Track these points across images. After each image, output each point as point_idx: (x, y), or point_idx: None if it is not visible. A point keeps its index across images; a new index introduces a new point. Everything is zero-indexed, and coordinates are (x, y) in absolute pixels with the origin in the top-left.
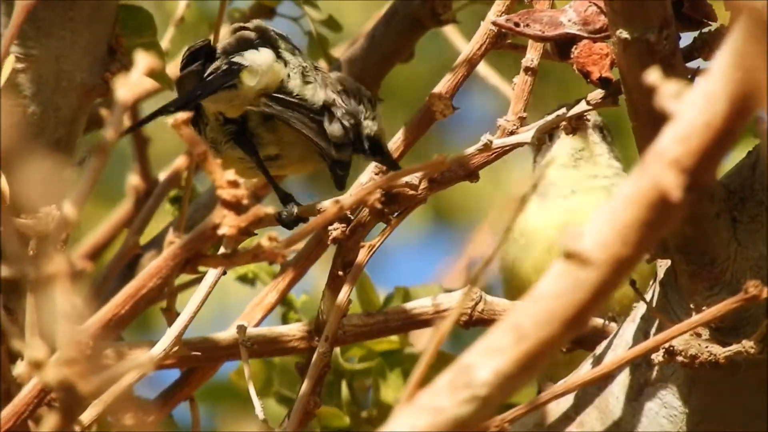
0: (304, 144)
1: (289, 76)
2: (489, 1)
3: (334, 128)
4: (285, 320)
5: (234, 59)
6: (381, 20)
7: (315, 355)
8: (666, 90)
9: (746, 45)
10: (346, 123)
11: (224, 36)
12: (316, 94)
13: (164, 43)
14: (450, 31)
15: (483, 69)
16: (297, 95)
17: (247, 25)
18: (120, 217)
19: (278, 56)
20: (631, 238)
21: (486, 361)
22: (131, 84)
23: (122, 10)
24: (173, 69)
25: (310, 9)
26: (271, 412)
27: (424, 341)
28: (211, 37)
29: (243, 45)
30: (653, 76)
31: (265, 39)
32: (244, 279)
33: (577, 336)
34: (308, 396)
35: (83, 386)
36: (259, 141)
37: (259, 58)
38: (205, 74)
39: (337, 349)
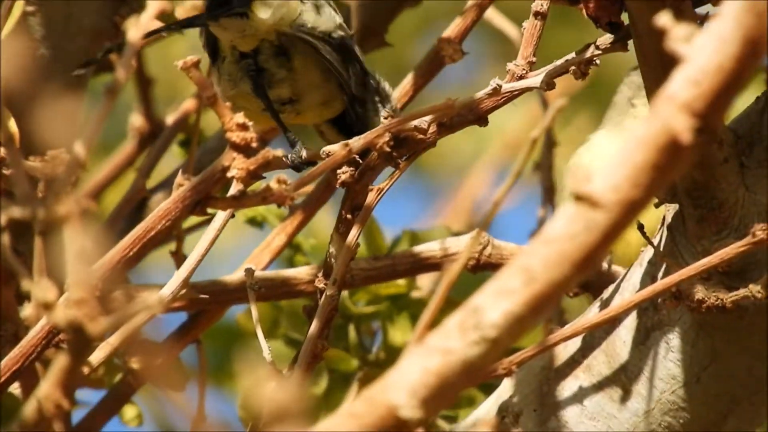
0: (320, 85)
1: (303, 12)
2: None
3: (352, 63)
4: (293, 263)
5: None
6: None
7: (323, 298)
8: (677, 33)
9: None
10: (363, 62)
11: None
12: (336, 31)
13: None
14: None
15: (492, 13)
16: (317, 29)
17: None
18: (123, 157)
19: None
20: (641, 181)
21: (495, 303)
22: (141, 26)
23: None
24: (184, 11)
25: None
26: (279, 354)
27: (430, 285)
28: None
29: None
30: (664, 19)
31: None
32: (252, 222)
33: (584, 280)
34: (316, 339)
35: (92, 327)
36: (271, 79)
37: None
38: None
39: (345, 293)
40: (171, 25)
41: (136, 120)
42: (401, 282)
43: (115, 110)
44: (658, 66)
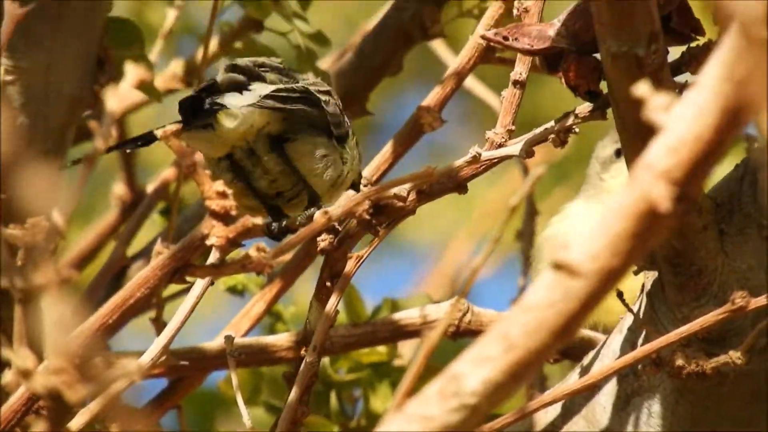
0: (293, 171)
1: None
2: (477, 15)
3: (329, 109)
4: (273, 331)
5: (216, 99)
6: (369, 33)
7: (303, 365)
8: (655, 102)
9: (736, 57)
10: (338, 106)
11: (217, 72)
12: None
13: (153, 55)
14: (438, 45)
15: (471, 81)
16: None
17: (237, 62)
18: (105, 226)
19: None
20: (620, 249)
21: (475, 370)
22: (120, 96)
23: (110, 23)
24: (161, 81)
25: (298, 23)
26: (260, 420)
27: (411, 353)
28: (200, 51)
29: (229, 85)
30: (642, 88)
31: (252, 77)
32: (233, 290)
33: (564, 346)
34: (296, 405)
35: (71, 395)
36: (250, 176)
37: (240, 100)
38: (188, 112)
39: (326, 360)
40: (134, 139)
41: (119, 189)
42: (382, 349)
43: (96, 173)
44: (636, 134)
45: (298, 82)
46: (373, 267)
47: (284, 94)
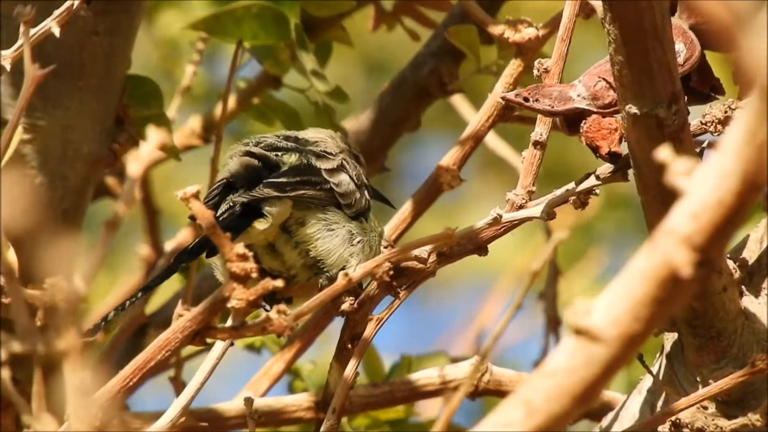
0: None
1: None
2: (496, 72)
3: (340, 189)
4: (291, 389)
5: (244, 200)
6: (388, 89)
7: (322, 428)
8: (676, 167)
9: (758, 121)
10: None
11: (229, 157)
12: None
13: (171, 111)
14: (457, 101)
15: (492, 140)
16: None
17: (249, 148)
18: (130, 287)
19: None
20: (642, 314)
21: None
22: (141, 159)
23: (129, 81)
24: (180, 137)
25: (316, 81)
26: None
27: (429, 409)
28: (219, 108)
29: (249, 175)
30: (664, 153)
31: (268, 165)
32: (251, 348)
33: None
34: None
35: None
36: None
37: (270, 207)
38: (219, 214)
39: (344, 419)
40: (178, 259)
41: (143, 250)
42: (400, 407)
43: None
44: (657, 197)
45: (315, 157)
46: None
47: (284, 180)
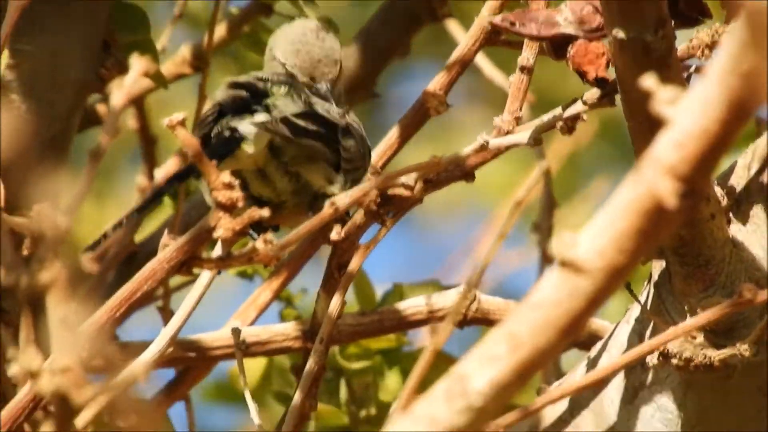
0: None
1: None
2: None
3: (346, 155)
4: (282, 318)
5: (232, 125)
6: (377, 16)
7: (310, 359)
8: (662, 95)
9: (743, 49)
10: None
11: (219, 91)
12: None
13: (161, 40)
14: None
15: (481, 61)
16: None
17: (239, 79)
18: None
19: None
20: (626, 246)
21: (481, 370)
22: (126, 87)
23: (116, 8)
24: (171, 66)
25: (306, 8)
26: (271, 408)
27: (421, 337)
28: (205, 37)
29: (238, 106)
30: (649, 81)
31: (257, 95)
32: (243, 275)
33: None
34: (304, 399)
35: (77, 396)
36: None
37: (251, 129)
38: (211, 138)
39: (336, 348)
40: (169, 181)
41: (140, 180)
42: (391, 336)
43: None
44: (644, 122)
45: (306, 96)
46: (387, 252)
47: (302, 124)
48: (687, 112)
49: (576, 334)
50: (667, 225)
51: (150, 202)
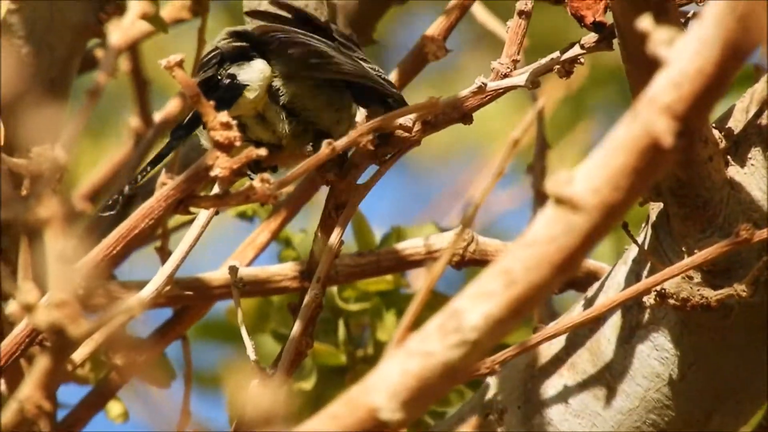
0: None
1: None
2: None
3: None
4: (281, 258)
5: (231, 72)
6: None
7: (307, 297)
8: (658, 36)
9: None
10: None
11: (218, 37)
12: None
13: None
14: None
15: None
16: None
17: (238, 29)
18: (120, 158)
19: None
20: (622, 184)
21: (476, 305)
22: (124, 29)
23: None
24: (170, 11)
25: None
26: (268, 347)
27: (419, 280)
28: None
29: (238, 54)
30: (645, 22)
31: (258, 43)
32: (242, 216)
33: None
34: (300, 337)
35: (73, 330)
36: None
37: (254, 75)
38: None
39: (334, 289)
40: (173, 140)
41: (133, 122)
42: (389, 278)
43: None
44: (642, 65)
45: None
46: (383, 196)
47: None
48: (683, 53)
49: (570, 271)
50: (663, 163)
51: (163, 156)
